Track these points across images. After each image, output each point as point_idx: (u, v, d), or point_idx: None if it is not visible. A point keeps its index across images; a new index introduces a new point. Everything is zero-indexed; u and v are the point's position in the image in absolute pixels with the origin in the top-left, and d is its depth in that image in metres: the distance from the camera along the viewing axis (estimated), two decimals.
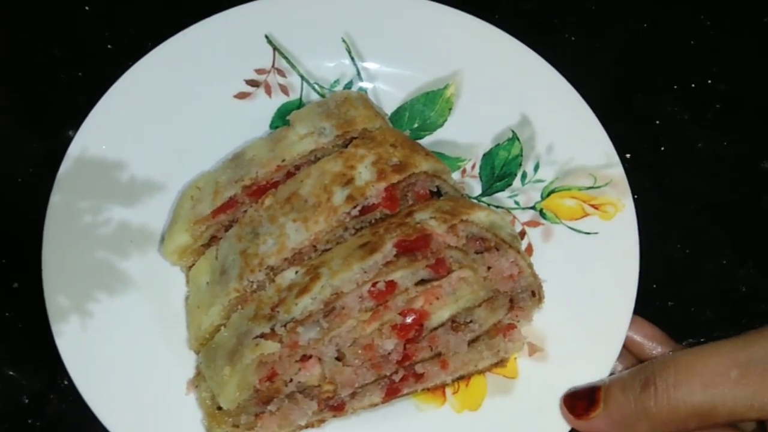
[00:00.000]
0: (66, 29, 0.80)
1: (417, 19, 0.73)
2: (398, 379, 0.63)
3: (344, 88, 0.73)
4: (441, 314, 0.62)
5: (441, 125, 0.74)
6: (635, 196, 0.70)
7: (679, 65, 0.83)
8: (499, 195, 0.72)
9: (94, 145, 0.68)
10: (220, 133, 0.71)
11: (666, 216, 0.77)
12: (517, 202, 0.72)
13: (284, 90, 0.73)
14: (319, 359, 0.60)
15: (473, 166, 0.73)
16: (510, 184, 0.72)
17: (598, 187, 0.71)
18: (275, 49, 0.72)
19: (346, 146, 0.66)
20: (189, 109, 0.71)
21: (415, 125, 0.73)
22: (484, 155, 0.73)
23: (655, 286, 0.73)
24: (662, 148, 0.80)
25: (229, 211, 0.65)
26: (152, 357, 0.64)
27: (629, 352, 0.67)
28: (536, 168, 0.72)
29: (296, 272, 0.62)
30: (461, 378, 0.65)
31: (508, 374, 0.66)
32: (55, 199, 0.66)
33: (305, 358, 0.60)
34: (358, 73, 0.73)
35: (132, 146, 0.69)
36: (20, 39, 0.80)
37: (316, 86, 0.73)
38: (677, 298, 0.76)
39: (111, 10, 0.81)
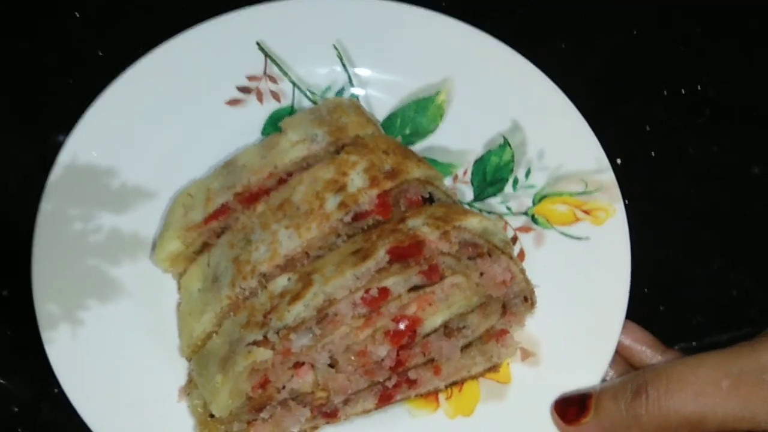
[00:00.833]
0: (56, 35, 0.80)
1: (408, 26, 0.73)
2: (391, 386, 0.63)
3: (336, 95, 0.73)
4: (434, 320, 0.63)
5: (433, 131, 0.74)
6: (626, 202, 0.70)
7: (669, 71, 0.83)
8: (491, 201, 0.72)
9: (85, 152, 0.68)
10: (211, 140, 0.70)
11: (657, 221, 0.77)
12: (509, 208, 0.72)
13: (276, 97, 0.72)
14: (312, 366, 0.60)
15: (465, 172, 0.73)
16: (502, 190, 0.72)
17: (589, 193, 0.71)
18: (267, 55, 0.72)
19: (338, 153, 0.66)
20: (180, 115, 0.71)
21: (407, 131, 0.74)
22: (476, 161, 0.73)
23: (646, 290, 0.73)
24: (652, 154, 0.81)
25: (221, 218, 0.65)
26: (143, 364, 0.64)
27: (620, 356, 0.67)
28: (528, 174, 0.72)
29: (289, 279, 0.62)
30: (454, 383, 0.65)
31: (501, 379, 0.66)
32: (46, 206, 0.66)
33: (298, 365, 0.60)
34: (350, 80, 0.73)
35: (123, 153, 0.69)
36: (10, 45, 0.79)
37: (308, 93, 0.73)
38: (668, 303, 0.76)
39: (102, 17, 0.81)
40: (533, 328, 0.67)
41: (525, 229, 0.71)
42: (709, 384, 0.56)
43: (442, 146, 0.73)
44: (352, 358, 0.61)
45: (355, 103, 0.70)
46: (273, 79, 0.72)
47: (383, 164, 0.65)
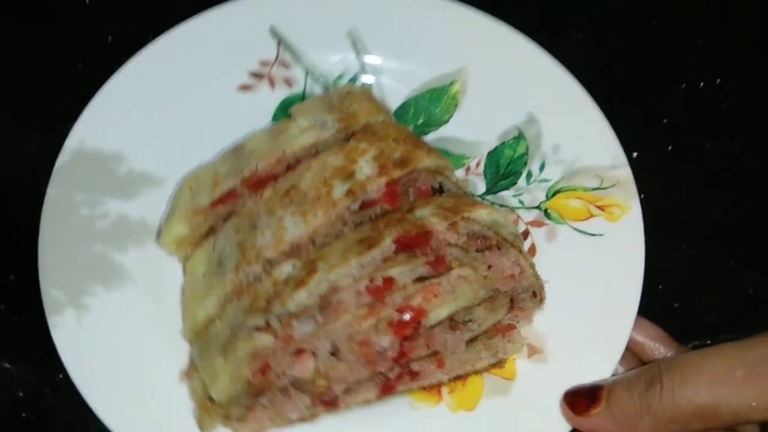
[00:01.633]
0: (66, 22, 0.80)
1: (424, 15, 0.72)
2: (393, 377, 0.62)
3: (349, 82, 0.72)
4: (439, 312, 0.62)
5: (446, 122, 0.73)
6: (641, 196, 0.69)
7: (688, 65, 0.82)
8: (504, 194, 0.71)
9: (93, 138, 0.68)
10: (222, 126, 0.70)
11: (672, 216, 0.76)
12: (521, 202, 0.71)
13: (288, 83, 0.72)
14: (314, 354, 0.59)
15: (478, 164, 0.72)
16: (515, 183, 0.71)
17: (605, 189, 0.69)
18: (280, 41, 0.72)
19: (347, 140, 0.65)
20: (190, 101, 0.70)
21: (420, 121, 0.73)
22: (489, 153, 0.72)
23: (660, 287, 0.72)
24: (669, 148, 0.79)
25: (228, 202, 0.65)
26: (147, 350, 0.64)
27: (631, 352, 0.66)
28: (542, 167, 0.71)
29: (293, 266, 0.61)
30: (458, 377, 0.64)
31: (505, 375, 0.65)
32: (52, 192, 0.66)
33: (299, 352, 0.59)
34: (363, 68, 0.73)
35: (131, 139, 0.69)
36: (19, 31, 0.80)
37: (321, 80, 0.73)
38: (683, 300, 0.75)
39: (112, 4, 0.81)
40: (541, 324, 0.66)
41: (537, 223, 0.70)
42: (724, 373, 0.55)
43: (455, 137, 0.72)
44: (355, 347, 0.60)
45: (366, 91, 0.69)
46: (285, 65, 0.72)
47: (393, 153, 0.64)
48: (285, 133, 0.66)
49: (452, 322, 0.63)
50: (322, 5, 0.72)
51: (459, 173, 0.71)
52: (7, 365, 0.71)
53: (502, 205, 0.71)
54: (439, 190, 0.66)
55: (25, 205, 0.68)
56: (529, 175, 0.71)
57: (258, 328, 0.59)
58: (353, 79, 0.73)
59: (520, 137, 0.71)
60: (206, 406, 0.60)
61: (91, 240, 0.66)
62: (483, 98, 0.72)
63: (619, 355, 0.64)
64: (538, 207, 0.70)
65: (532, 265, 0.64)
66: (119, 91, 0.69)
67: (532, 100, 0.72)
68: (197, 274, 0.64)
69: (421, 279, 0.61)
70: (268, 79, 0.72)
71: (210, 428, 0.61)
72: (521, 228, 0.70)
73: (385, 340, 0.60)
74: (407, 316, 0.60)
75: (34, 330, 0.65)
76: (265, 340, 0.58)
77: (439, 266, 0.61)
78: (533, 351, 0.66)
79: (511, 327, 0.65)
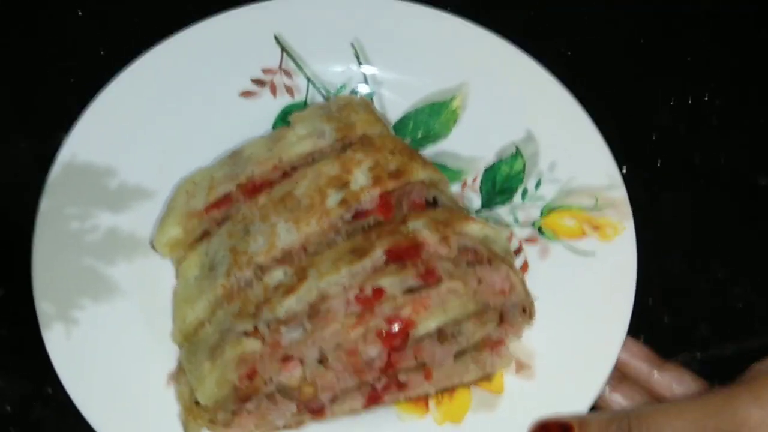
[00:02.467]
0: (58, 33, 0.79)
1: (427, 29, 0.73)
2: (380, 387, 0.62)
3: (350, 94, 0.73)
4: (428, 324, 0.62)
5: (445, 136, 0.73)
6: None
7: (676, 79, 0.82)
8: (499, 210, 0.71)
9: (85, 151, 0.68)
10: (221, 133, 0.70)
11: (662, 230, 0.76)
12: (516, 218, 0.71)
13: (290, 91, 0.73)
14: (301, 361, 0.60)
15: (474, 180, 0.72)
16: (510, 200, 0.72)
17: (600, 209, 0.70)
18: (283, 49, 0.73)
19: (344, 150, 0.66)
20: (190, 108, 0.71)
21: (419, 135, 0.73)
22: (486, 169, 0.72)
23: (650, 299, 0.72)
24: (658, 163, 0.79)
25: (223, 207, 0.65)
26: (137, 359, 0.64)
27: (616, 369, 0.66)
28: (538, 185, 0.71)
29: (285, 273, 0.62)
30: (445, 390, 0.65)
31: (493, 389, 0.65)
32: (44, 205, 0.66)
33: (287, 358, 0.60)
34: (365, 79, 0.73)
35: (123, 152, 0.69)
36: (11, 42, 0.79)
37: (322, 90, 0.73)
38: (672, 314, 0.75)
39: (104, 13, 0.80)
40: (531, 340, 0.66)
41: (531, 240, 0.70)
42: None
43: (453, 152, 0.73)
44: (342, 356, 0.60)
45: (365, 102, 0.70)
46: (288, 74, 0.73)
47: (388, 164, 0.64)
48: (283, 140, 0.66)
49: (441, 335, 0.63)
50: (326, 16, 0.73)
51: (455, 188, 0.72)
52: None
53: (496, 221, 0.71)
54: (433, 204, 0.66)
55: (15, 218, 0.68)
56: (525, 192, 0.71)
57: (246, 333, 0.59)
58: (355, 90, 0.73)
59: (517, 154, 0.72)
60: (192, 409, 0.61)
61: (81, 253, 0.65)
62: (482, 114, 0.73)
63: (606, 376, 0.64)
64: (532, 224, 0.71)
65: (523, 281, 0.64)
66: (113, 101, 0.69)
67: (531, 117, 0.72)
68: (189, 278, 0.65)
69: (411, 291, 0.61)
70: (270, 87, 0.73)
71: None
72: (515, 244, 0.70)
73: (373, 350, 0.60)
74: (396, 327, 0.61)
75: (24, 344, 0.65)
76: (252, 345, 0.59)
77: (430, 278, 0.61)
78: (521, 366, 0.66)
79: (500, 342, 0.65)
